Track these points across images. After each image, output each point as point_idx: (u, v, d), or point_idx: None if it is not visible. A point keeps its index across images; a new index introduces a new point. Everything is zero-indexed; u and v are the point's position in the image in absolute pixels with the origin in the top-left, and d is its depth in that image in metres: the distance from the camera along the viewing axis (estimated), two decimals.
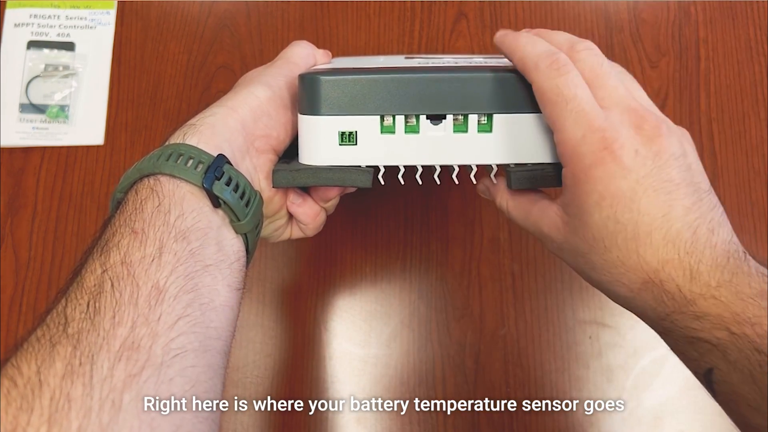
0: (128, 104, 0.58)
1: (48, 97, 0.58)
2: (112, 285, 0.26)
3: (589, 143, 0.30)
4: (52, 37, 0.59)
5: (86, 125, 0.57)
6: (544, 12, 0.60)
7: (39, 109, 0.57)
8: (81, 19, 0.60)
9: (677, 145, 0.30)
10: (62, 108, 0.57)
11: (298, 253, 0.54)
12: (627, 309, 0.32)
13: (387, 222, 0.55)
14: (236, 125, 0.34)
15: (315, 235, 0.54)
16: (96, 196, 0.55)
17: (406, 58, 0.45)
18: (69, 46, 0.59)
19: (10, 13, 0.59)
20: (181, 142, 0.32)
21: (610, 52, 0.59)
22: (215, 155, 0.32)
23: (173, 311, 0.26)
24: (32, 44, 0.59)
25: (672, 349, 0.31)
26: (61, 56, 0.59)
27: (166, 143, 0.33)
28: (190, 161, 0.31)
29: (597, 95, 0.31)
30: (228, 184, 0.32)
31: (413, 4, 0.60)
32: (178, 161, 0.31)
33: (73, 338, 0.24)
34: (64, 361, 0.23)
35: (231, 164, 0.32)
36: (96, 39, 0.59)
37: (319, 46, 0.58)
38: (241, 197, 0.32)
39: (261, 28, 0.59)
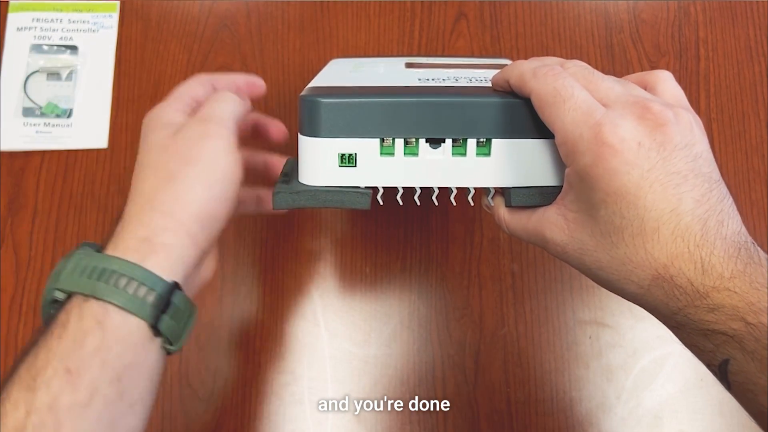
0: (128, 104, 0.58)
1: (51, 100, 0.58)
2: None
3: (588, 140, 0.29)
4: (55, 40, 0.59)
5: (89, 129, 0.57)
6: (544, 12, 0.60)
7: (42, 112, 0.57)
8: (84, 22, 0.60)
9: (685, 133, 0.29)
10: (65, 111, 0.58)
11: (298, 253, 0.54)
12: (638, 305, 0.31)
13: (387, 222, 0.55)
14: (189, 246, 0.33)
15: (315, 236, 0.54)
16: (96, 196, 0.55)
17: (407, 65, 0.45)
18: (72, 50, 0.59)
19: (12, 17, 0.59)
20: (135, 263, 0.31)
21: (610, 52, 0.59)
22: (170, 282, 0.32)
23: None
24: (35, 48, 0.59)
25: (683, 342, 0.30)
26: (63, 60, 0.59)
27: (111, 252, 0.32)
28: (143, 289, 0.31)
29: (594, 97, 0.31)
30: (172, 314, 0.32)
31: (413, 4, 0.60)
32: (133, 291, 0.30)
33: None
34: None
35: (181, 289, 0.33)
36: (98, 42, 0.59)
37: (319, 46, 0.59)
38: (182, 324, 0.33)
39: (261, 28, 0.60)
